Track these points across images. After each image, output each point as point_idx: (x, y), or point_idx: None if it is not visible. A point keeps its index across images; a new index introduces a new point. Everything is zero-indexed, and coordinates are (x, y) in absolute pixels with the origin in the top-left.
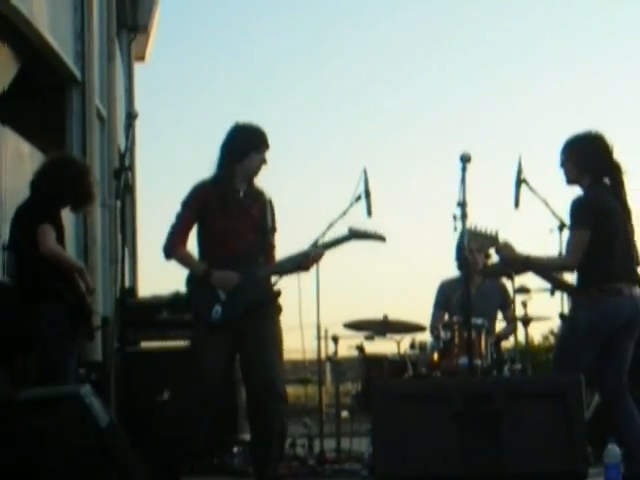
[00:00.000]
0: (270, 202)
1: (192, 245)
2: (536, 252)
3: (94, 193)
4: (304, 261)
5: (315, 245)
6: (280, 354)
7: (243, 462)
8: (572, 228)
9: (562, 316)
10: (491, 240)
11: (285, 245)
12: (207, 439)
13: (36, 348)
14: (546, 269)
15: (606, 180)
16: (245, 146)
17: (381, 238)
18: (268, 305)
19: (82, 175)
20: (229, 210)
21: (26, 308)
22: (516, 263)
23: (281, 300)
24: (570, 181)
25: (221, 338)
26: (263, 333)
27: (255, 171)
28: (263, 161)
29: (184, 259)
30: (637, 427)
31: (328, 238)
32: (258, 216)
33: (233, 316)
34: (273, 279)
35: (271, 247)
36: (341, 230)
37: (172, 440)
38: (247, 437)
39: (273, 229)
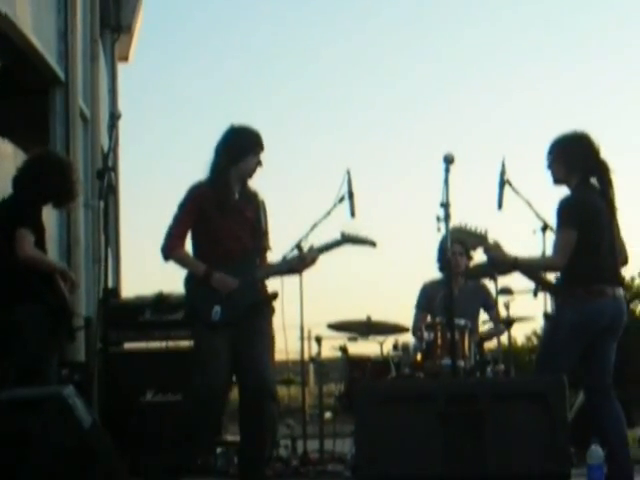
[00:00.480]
0: (263, 204)
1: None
2: (521, 253)
3: (77, 189)
4: (298, 264)
5: (310, 249)
6: (272, 355)
7: (226, 463)
8: (559, 228)
9: (546, 316)
10: (480, 239)
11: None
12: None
13: (16, 349)
14: (533, 269)
15: (593, 180)
16: (242, 148)
17: (372, 243)
18: (264, 306)
19: (65, 171)
20: (225, 211)
21: (5, 308)
22: (505, 264)
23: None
24: (557, 181)
25: (221, 338)
26: (258, 334)
27: (251, 173)
28: (259, 163)
29: (183, 260)
30: (622, 428)
31: (321, 242)
32: (252, 217)
33: (233, 317)
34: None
35: (265, 249)
36: (333, 235)
37: (178, 441)
38: (230, 438)
39: (266, 231)
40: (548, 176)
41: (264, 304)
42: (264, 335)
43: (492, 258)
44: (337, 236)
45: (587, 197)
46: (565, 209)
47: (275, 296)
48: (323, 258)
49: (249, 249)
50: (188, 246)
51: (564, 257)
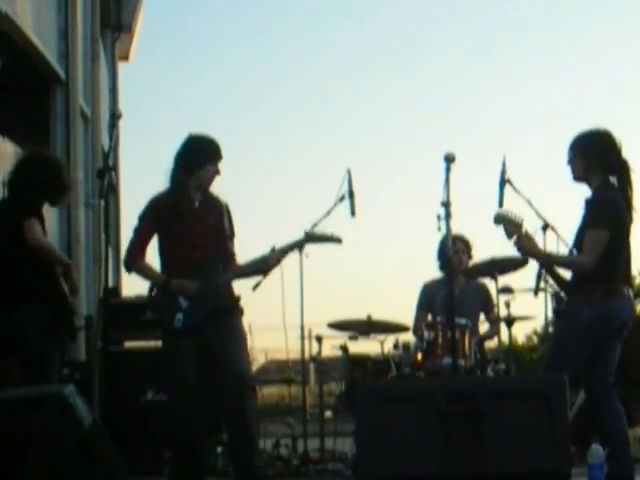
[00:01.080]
0: (227, 208)
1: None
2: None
3: (69, 185)
4: (263, 266)
5: (272, 250)
6: (246, 352)
7: (226, 462)
8: (591, 227)
9: (557, 313)
10: (516, 228)
11: (264, 246)
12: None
13: (18, 348)
14: (563, 266)
15: (613, 178)
16: (200, 158)
17: (338, 240)
18: (230, 309)
19: (55, 170)
20: (185, 220)
21: (7, 308)
22: (537, 257)
23: (263, 300)
24: (577, 178)
25: (186, 344)
26: (228, 332)
27: (209, 182)
28: (217, 172)
29: (143, 271)
30: (623, 427)
31: (284, 243)
32: (215, 223)
33: (194, 323)
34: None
35: (231, 253)
36: (298, 234)
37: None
38: None
39: (232, 235)
40: (570, 172)
41: (229, 308)
42: (236, 332)
43: (523, 248)
44: (301, 235)
45: (615, 196)
46: (596, 208)
47: (238, 300)
48: (324, 258)
49: (212, 256)
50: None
51: (595, 257)
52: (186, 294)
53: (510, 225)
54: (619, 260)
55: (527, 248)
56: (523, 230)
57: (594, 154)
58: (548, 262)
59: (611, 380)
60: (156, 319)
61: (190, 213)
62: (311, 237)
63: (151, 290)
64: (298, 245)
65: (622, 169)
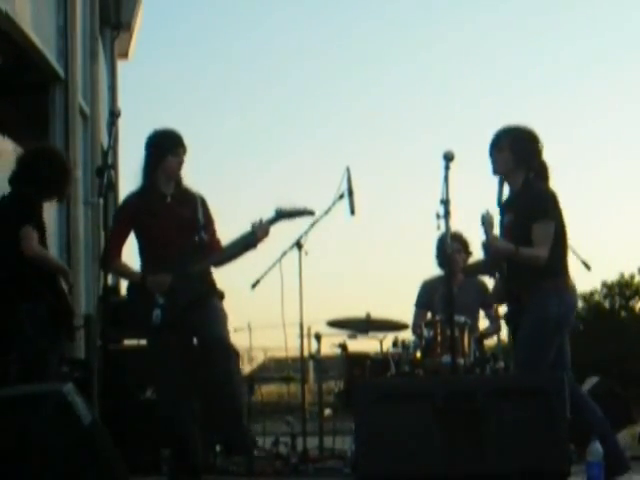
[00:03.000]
0: (201, 199)
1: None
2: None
3: (71, 178)
4: (252, 239)
5: (252, 227)
6: (225, 326)
7: (226, 460)
8: (539, 220)
9: (508, 317)
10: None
11: (268, 242)
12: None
13: (17, 347)
14: (527, 261)
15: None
16: (161, 150)
17: (310, 212)
18: (208, 297)
19: (58, 162)
20: (158, 216)
21: (7, 307)
22: (506, 253)
23: (262, 298)
24: (500, 172)
25: (168, 340)
26: (206, 312)
27: (174, 173)
28: (180, 162)
29: (119, 270)
30: (592, 404)
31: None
32: (189, 216)
33: (172, 317)
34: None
35: (214, 242)
36: (269, 213)
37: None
38: None
39: (209, 226)
40: (491, 164)
41: (207, 296)
42: (214, 309)
43: (491, 248)
44: (272, 214)
45: (549, 188)
46: (545, 201)
47: (214, 285)
48: (323, 255)
49: (187, 248)
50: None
51: (548, 249)
52: (162, 289)
53: (490, 228)
54: (566, 252)
55: (495, 246)
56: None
57: (524, 150)
58: (516, 258)
59: (570, 373)
60: (135, 319)
61: (162, 208)
62: (282, 214)
63: (129, 290)
64: (270, 223)
65: (543, 170)
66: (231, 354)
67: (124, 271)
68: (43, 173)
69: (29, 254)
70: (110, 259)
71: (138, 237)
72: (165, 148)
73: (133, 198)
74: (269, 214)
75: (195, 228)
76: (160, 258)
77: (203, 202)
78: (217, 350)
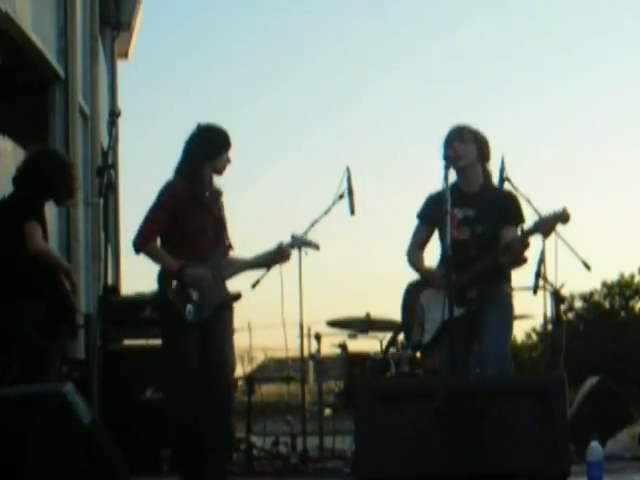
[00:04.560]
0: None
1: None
2: None
3: (76, 186)
4: (272, 259)
5: (280, 245)
6: (233, 348)
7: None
8: (520, 223)
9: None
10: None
11: (265, 242)
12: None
13: (17, 347)
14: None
15: None
16: (216, 145)
17: (317, 247)
18: (229, 305)
19: (64, 168)
20: (199, 209)
21: (8, 305)
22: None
23: (262, 298)
24: (461, 162)
25: (192, 339)
26: (223, 327)
27: (223, 169)
28: (229, 160)
29: (156, 254)
30: None
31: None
32: (219, 215)
33: (204, 316)
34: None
35: (229, 245)
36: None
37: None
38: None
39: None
40: (449, 152)
41: (229, 303)
42: (229, 328)
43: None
44: (289, 240)
45: None
46: (518, 205)
47: (239, 297)
48: (323, 255)
49: (216, 247)
50: None
51: None
52: (199, 284)
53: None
54: None
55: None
56: None
57: (486, 145)
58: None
59: None
60: (165, 307)
61: (203, 202)
62: (296, 240)
63: (160, 277)
64: (290, 248)
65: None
66: (231, 382)
67: (161, 256)
68: (45, 174)
69: (34, 249)
70: (144, 241)
71: (174, 224)
72: (220, 145)
73: (179, 184)
74: (286, 239)
75: (222, 227)
76: (189, 251)
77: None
78: (222, 371)
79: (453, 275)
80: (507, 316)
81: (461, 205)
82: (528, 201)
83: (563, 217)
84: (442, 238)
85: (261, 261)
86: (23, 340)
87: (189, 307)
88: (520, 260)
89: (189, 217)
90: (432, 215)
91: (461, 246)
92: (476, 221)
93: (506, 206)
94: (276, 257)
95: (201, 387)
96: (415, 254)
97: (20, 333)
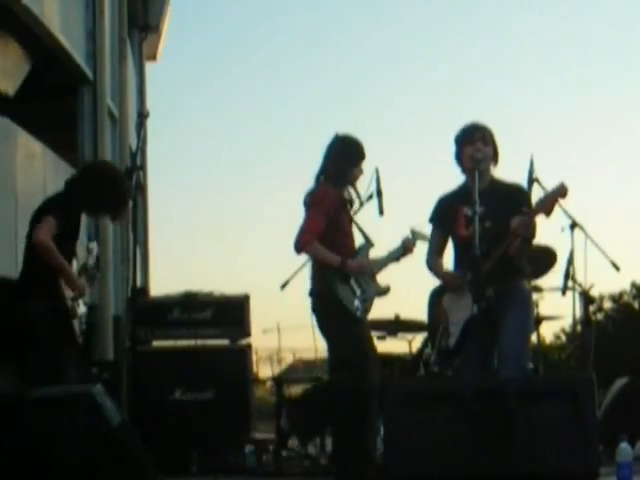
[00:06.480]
0: None
1: None
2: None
3: (116, 206)
4: (400, 254)
5: (411, 235)
6: None
7: (256, 461)
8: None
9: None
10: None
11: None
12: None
13: (32, 349)
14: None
15: None
16: (358, 155)
17: (428, 239)
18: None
19: (106, 184)
20: (345, 210)
21: (18, 305)
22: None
23: (291, 299)
24: (483, 164)
25: (363, 328)
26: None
27: (356, 179)
28: (361, 171)
29: (318, 252)
30: None
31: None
32: (351, 217)
33: (367, 310)
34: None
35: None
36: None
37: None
38: (259, 436)
39: None
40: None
41: (384, 295)
42: None
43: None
44: (409, 234)
45: None
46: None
47: (389, 289)
48: None
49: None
50: None
51: None
52: (364, 272)
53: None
54: None
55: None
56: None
57: (498, 147)
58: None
59: None
60: (336, 304)
61: (348, 205)
62: (415, 235)
63: (326, 277)
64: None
65: None
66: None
67: (322, 253)
68: (85, 185)
69: (35, 239)
70: (305, 242)
71: (327, 226)
72: (357, 155)
73: (331, 189)
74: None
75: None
76: (343, 251)
77: None
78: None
79: (469, 273)
80: (526, 315)
81: (470, 203)
82: (558, 202)
83: (562, 192)
84: (454, 237)
85: (394, 257)
86: (35, 343)
87: (356, 303)
88: (530, 242)
89: (339, 219)
90: (443, 217)
91: (471, 243)
92: (485, 217)
93: (514, 199)
94: (405, 251)
95: None
96: (434, 261)
97: (33, 335)
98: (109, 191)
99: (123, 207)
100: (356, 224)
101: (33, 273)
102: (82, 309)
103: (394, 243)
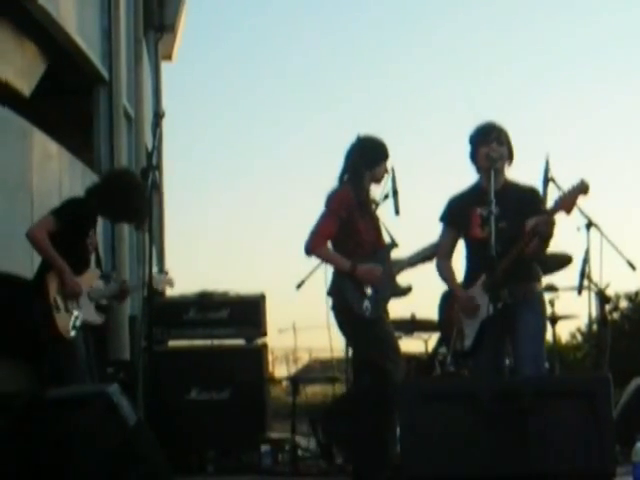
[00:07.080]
0: None
1: None
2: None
3: (131, 216)
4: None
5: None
6: None
7: (272, 461)
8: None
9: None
10: None
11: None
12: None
13: (39, 350)
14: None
15: None
16: (377, 155)
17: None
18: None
19: (119, 194)
20: (364, 212)
21: (25, 306)
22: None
23: (307, 299)
24: (499, 164)
25: (375, 329)
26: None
27: (381, 179)
28: (386, 170)
29: (327, 256)
30: None
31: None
32: (375, 216)
33: (380, 311)
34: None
35: (395, 244)
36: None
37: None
38: (275, 436)
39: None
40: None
41: (403, 295)
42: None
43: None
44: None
45: None
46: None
47: (410, 289)
48: None
49: (379, 246)
50: None
51: None
52: (373, 281)
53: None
54: None
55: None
56: None
57: (511, 146)
58: None
59: None
60: (342, 305)
61: (366, 205)
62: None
63: (336, 278)
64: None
65: None
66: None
67: (332, 257)
68: (100, 192)
69: (29, 232)
70: (315, 245)
71: (342, 227)
72: (380, 155)
73: (346, 191)
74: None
75: (379, 228)
76: (357, 251)
77: None
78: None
79: (484, 276)
80: (540, 316)
81: (484, 204)
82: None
83: (582, 188)
84: (467, 238)
85: (419, 258)
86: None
87: (366, 304)
88: (548, 241)
89: (356, 221)
90: (456, 217)
91: (485, 244)
92: (500, 218)
93: (528, 201)
94: (432, 253)
95: None
96: (444, 266)
97: (37, 333)
98: (132, 202)
99: (144, 218)
100: (382, 224)
101: (38, 274)
102: (75, 312)
103: (407, 243)
